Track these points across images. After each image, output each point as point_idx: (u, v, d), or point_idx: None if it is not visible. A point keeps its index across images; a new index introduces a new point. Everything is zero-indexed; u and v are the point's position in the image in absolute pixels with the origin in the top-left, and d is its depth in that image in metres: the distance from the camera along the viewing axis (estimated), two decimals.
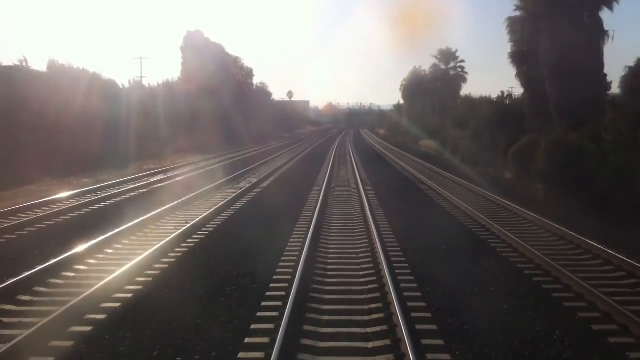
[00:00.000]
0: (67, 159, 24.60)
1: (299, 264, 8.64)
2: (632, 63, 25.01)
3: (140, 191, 18.40)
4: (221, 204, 14.88)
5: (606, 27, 23.30)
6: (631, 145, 14.33)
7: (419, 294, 7.60)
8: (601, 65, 22.90)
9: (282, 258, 9.45)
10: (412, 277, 8.33)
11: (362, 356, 5.81)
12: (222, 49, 66.75)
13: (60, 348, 5.88)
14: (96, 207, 14.96)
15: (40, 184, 20.52)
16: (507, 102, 32.57)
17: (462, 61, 55.94)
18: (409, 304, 7.15)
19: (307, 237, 10.54)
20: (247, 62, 79.28)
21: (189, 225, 11.75)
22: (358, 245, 10.43)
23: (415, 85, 63.73)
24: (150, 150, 34.50)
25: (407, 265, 8.99)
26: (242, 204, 15.82)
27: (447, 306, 7.12)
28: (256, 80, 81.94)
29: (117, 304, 7.17)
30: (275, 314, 6.78)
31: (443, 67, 56.14)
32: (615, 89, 26.01)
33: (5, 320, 6.69)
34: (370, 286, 7.94)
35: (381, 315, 6.80)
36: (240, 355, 5.77)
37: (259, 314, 6.85)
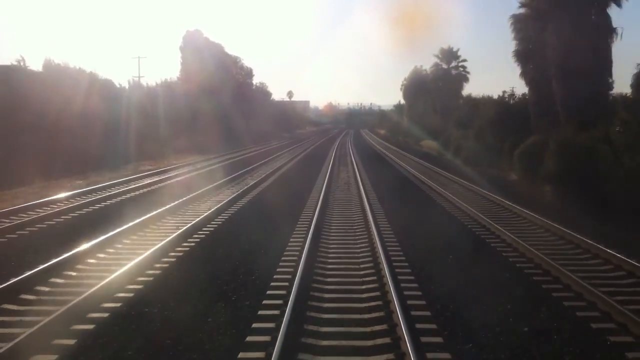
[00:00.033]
0: (66, 159, 24.16)
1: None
2: None
3: (133, 194, 17.77)
4: (216, 207, 14.25)
5: (614, 24, 22.69)
6: None
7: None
8: (609, 64, 22.27)
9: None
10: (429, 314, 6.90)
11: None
12: (221, 49, 66.47)
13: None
14: (84, 211, 14.27)
15: (32, 185, 19.99)
16: (511, 102, 31.97)
17: (464, 60, 55.32)
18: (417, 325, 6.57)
19: (306, 239, 10.16)
20: (246, 62, 78.63)
21: (176, 233, 10.83)
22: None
23: (416, 84, 63.10)
24: (149, 150, 34.16)
25: (424, 304, 7.25)
26: (241, 204, 15.47)
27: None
28: (256, 80, 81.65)
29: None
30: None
31: (444, 66, 55.45)
32: (623, 88, 25.45)
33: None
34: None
35: (384, 326, 6.47)
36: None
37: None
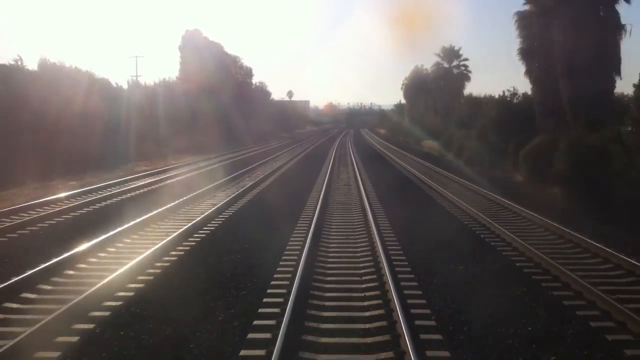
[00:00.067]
0: (64, 160, 23.75)
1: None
2: None
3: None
4: (208, 212, 13.57)
5: (623, 20, 21.98)
6: None
7: None
8: (618, 61, 21.58)
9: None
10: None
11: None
12: (221, 49, 66.16)
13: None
14: (70, 215, 13.54)
15: (25, 186, 19.35)
16: (514, 101, 31.31)
17: (466, 59, 54.50)
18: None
19: (305, 245, 9.54)
20: (246, 61, 77.99)
21: (156, 247, 9.75)
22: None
23: (417, 84, 62.35)
24: (148, 150, 33.76)
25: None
26: (239, 206, 14.97)
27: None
28: (255, 80, 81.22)
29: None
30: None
31: (446, 65, 54.66)
32: (625, 88, 24.71)
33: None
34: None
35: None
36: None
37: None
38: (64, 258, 8.81)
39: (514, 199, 14.57)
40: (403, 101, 79.39)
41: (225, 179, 20.84)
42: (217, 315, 6.78)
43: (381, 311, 6.80)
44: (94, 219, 12.91)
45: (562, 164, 14.59)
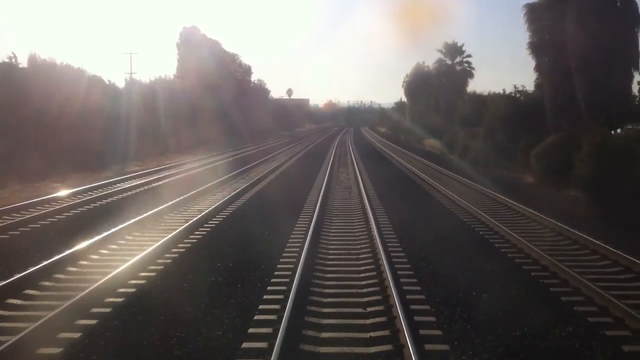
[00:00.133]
0: (61, 159, 23.04)
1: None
2: None
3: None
4: (194, 220, 12.26)
5: None
6: None
7: None
8: (636, 55, 20.28)
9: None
10: None
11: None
12: (219, 46, 65.37)
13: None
14: (39, 224, 12.07)
15: (4, 189, 18.10)
16: (521, 98, 30.02)
17: (469, 56, 53.16)
18: None
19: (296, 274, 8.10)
20: (245, 59, 77.10)
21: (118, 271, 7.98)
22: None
23: (418, 81, 60.91)
24: (145, 149, 32.97)
25: None
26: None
27: None
28: (254, 78, 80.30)
29: None
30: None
31: (448, 62, 53.28)
32: None
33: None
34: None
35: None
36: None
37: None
38: None
39: (531, 205, 13.17)
40: (404, 99, 78.16)
41: (220, 179, 19.75)
42: None
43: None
44: (71, 230, 11.54)
45: (585, 166, 13.26)
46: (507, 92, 28.77)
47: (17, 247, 9.81)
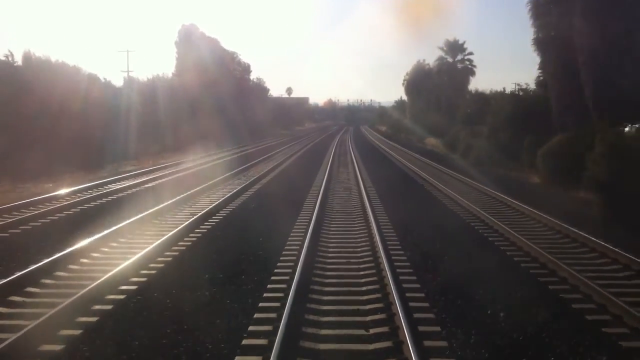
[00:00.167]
0: (53, 158, 22.44)
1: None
2: None
3: (93, 204, 15.03)
4: (182, 226, 11.57)
5: None
6: None
7: None
8: None
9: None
10: None
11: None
12: (218, 44, 64.75)
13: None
14: (20, 229, 11.39)
15: None
16: (521, 93, 29.36)
17: (470, 53, 52.51)
18: None
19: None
20: (244, 57, 76.28)
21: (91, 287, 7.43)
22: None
23: (419, 79, 60.25)
24: (140, 148, 32.48)
25: None
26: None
27: None
28: (253, 76, 79.88)
29: None
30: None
31: (450, 59, 52.61)
32: None
33: None
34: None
35: None
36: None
37: None
38: None
39: (541, 208, 12.45)
40: (404, 97, 77.51)
41: (216, 180, 19.17)
42: None
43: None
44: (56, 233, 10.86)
45: (599, 167, 12.56)
46: (508, 90, 28.18)
47: None
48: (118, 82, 52.19)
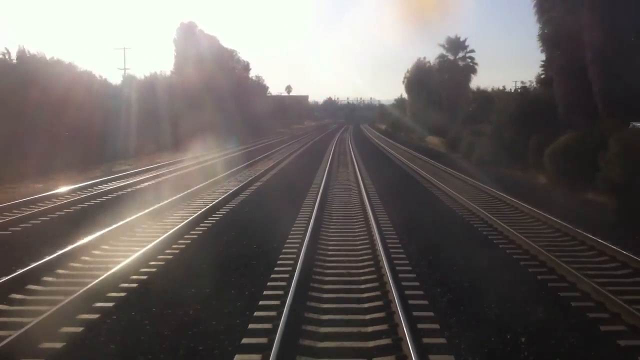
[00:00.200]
0: (51, 158, 22.24)
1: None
2: None
3: (73, 208, 14.34)
4: (169, 232, 10.90)
5: None
6: None
7: None
8: None
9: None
10: None
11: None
12: (217, 42, 64.55)
13: None
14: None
15: None
16: (521, 90, 28.71)
17: (472, 51, 51.71)
18: None
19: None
20: (243, 55, 76.24)
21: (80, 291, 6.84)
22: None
23: (419, 77, 59.48)
24: (138, 147, 32.56)
25: None
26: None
27: None
28: (252, 74, 79.57)
29: None
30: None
31: (451, 57, 51.84)
32: None
33: None
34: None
35: None
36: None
37: None
38: None
39: (552, 212, 11.78)
40: (404, 96, 76.83)
41: (213, 179, 18.70)
42: None
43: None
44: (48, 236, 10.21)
45: (613, 168, 11.87)
46: (509, 88, 27.54)
47: None
48: (115, 79, 51.80)
